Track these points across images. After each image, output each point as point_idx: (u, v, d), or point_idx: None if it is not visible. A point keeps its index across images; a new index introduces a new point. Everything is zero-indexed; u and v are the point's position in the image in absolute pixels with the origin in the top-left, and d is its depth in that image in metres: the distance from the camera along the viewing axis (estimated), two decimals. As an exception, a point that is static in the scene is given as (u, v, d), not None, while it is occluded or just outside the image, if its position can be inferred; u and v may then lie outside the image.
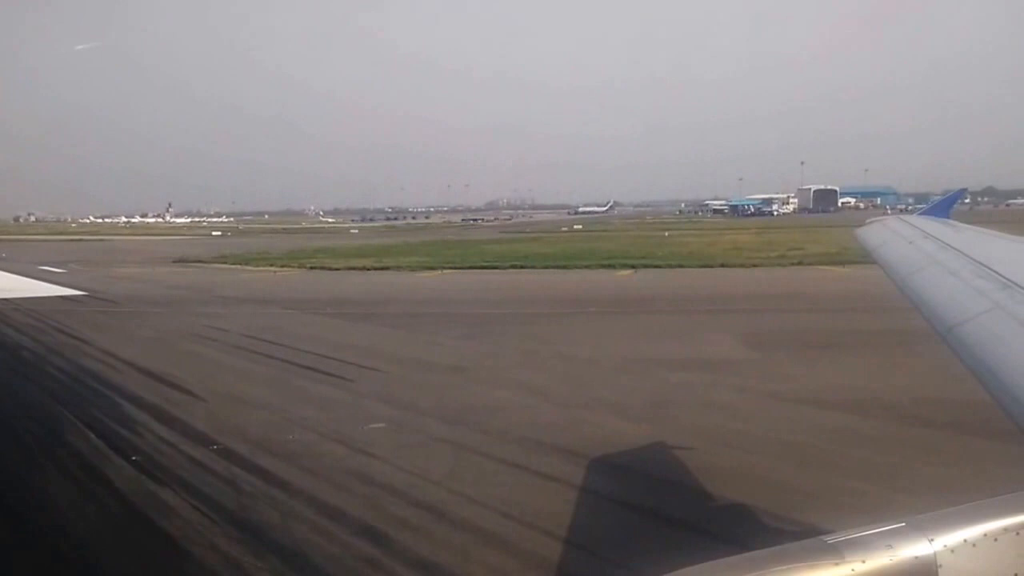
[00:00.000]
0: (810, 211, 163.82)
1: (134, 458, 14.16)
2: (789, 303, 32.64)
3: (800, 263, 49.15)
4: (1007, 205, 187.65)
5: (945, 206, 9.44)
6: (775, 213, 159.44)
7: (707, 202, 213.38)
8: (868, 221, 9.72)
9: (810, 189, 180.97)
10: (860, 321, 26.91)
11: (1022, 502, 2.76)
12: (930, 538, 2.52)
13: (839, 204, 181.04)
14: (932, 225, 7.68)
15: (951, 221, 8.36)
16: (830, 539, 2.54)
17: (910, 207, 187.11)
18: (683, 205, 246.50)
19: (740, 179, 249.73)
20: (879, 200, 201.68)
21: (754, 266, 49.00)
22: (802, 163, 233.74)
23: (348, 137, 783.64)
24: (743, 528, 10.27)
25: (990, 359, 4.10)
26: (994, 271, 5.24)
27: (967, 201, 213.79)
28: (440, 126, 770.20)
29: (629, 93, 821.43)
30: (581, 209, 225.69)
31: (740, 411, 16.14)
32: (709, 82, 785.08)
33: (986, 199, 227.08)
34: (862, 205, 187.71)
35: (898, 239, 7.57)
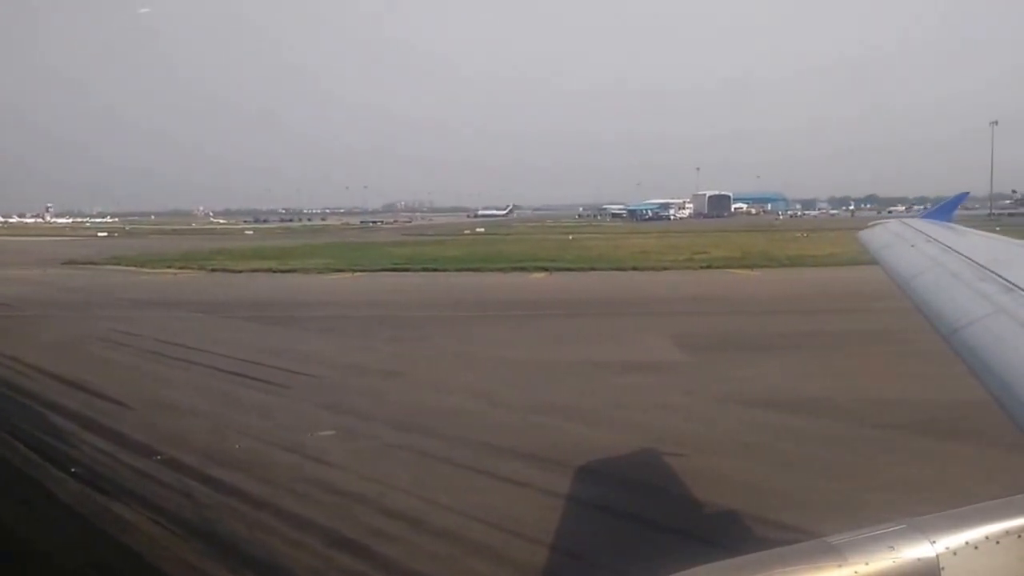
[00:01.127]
0: (705, 216, 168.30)
1: (73, 470, 13.30)
2: (710, 306, 33.25)
3: (710, 266, 50.20)
4: (888, 212, 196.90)
5: (947, 210, 9.50)
6: (672, 217, 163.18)
7: (605, 206, 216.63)
8: (871, 224, 9.81)
9: (705, 194, 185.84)
10: (785, 323, 27.72)
11: None
12: (932, 540, 2.53)
13: (732, 209, 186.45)
14: (934, 228, 7.74)
15: (953, 225, 8.46)
16: (833, 541, 2.54)
17: (799, 212, 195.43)
18: (581, 209, 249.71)
19: (638, 184, 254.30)
20: (769, 206, 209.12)
21: (665, 269, 49.77)
22: (697, 169, 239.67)
23: (239, 137, 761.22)
24: (736, 529, 10.29)
25: (994, 362, 4.10)
26: (997, 275, 5.25)
27: (851, 208, 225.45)
28: (337, 125, 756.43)
29: (528, 96, 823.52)
30: (481, 212, 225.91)
31: (697, 414, 16.22)
32: (605, 89, 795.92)
33: (868, 206, 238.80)
34: (754, 211, 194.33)
35: (900, 242, 7.64)
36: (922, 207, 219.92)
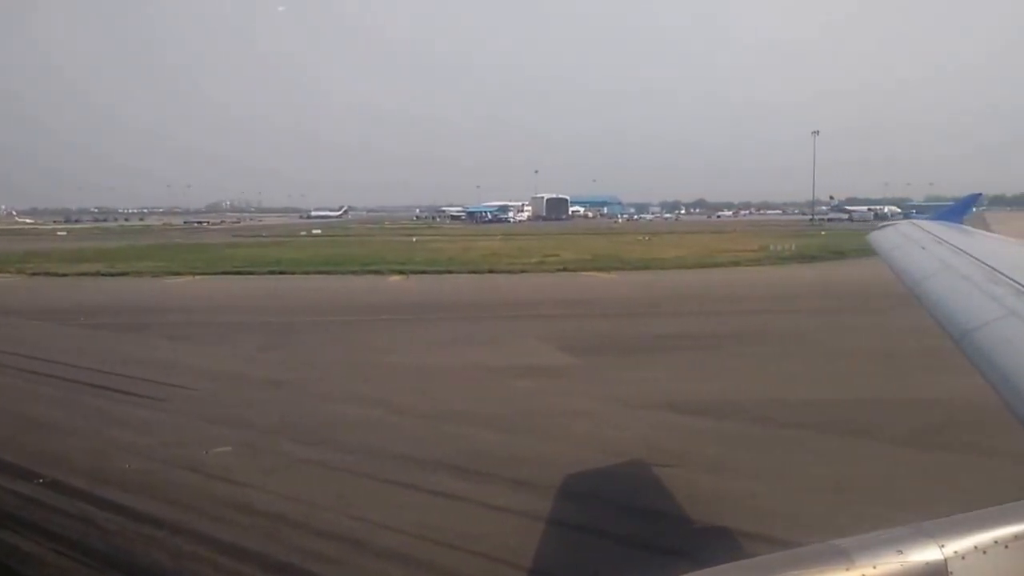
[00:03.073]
0: (544, 218, 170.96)
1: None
2: (578, 308, 33.59)
3: (565, 269, 50.84)
4: (718, 216, 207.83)
5: (958, 211, 9.62)
6: (512, 220, 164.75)
7: (444, 208, 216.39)
8: (881, 226, 9.91)
9: (543, 197, 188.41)
10: (657, 325, 28.35)
11: None
12: (941, 544, 2.53)
13: (570, 212, 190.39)
14: (944, 230, 7.88)
15: (963, 226, 8.63)
16: (841, 543, 2.52)
17: (635, 215, 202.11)
18: (418, 211, 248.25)
19: (478, 186, 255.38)
20: (605, 209, 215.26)
21: (522, 272, 50.00)
22: (536, 172, 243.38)
23: (41, 125, 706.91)
24: (687, 534, 10.24)
25: (1005, 365, 4.12)
26: (1008, 277, 5.34)
27: (682, 212, 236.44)
28: (159, 118, 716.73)
29: (360, 95, 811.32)
30: (314, 213, 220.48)
31: (607, 419, 16.12)
32: (443, 88, 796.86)
33: (697, 210, 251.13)
34: (591, 214, 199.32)
35: (910, 244, 7.73)
36: (748, 211, 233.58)
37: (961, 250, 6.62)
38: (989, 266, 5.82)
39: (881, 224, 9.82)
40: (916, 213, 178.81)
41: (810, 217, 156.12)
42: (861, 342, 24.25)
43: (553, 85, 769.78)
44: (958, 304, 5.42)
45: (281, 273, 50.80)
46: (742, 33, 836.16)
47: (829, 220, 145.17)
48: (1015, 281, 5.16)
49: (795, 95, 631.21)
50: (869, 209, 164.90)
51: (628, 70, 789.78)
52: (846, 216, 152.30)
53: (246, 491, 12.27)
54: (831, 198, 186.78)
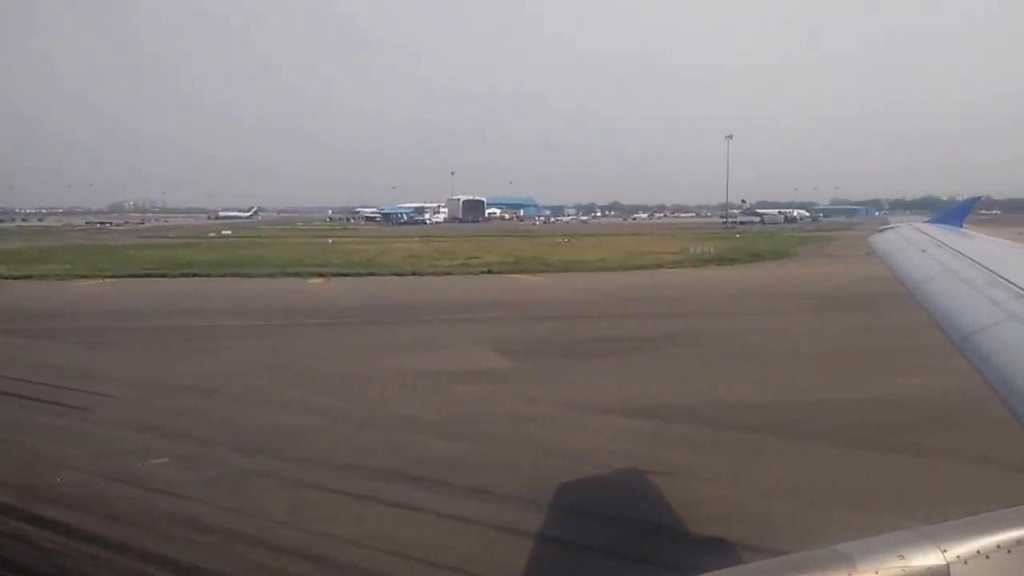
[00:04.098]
0: (460, 220, 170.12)
1: None
2: (508, 311, 33.37)
3: (490, 271, 50.59)
4: (633, 219, 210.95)
5: (959, 214, 9.64)
6: (428, 222, 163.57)
7: (358, 209, 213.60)
8: (880, 228, 9.87)
9: (460, 199, 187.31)
10: (591, 328, 28.40)
11: None
12: (943, 548, 2.56)
13: (487, 214, 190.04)
14: (945, 233, 7.89)
15: (964, 230, 8.65)
16: (843, 548, 2.55)
17: (551, 217, 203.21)
18: (331, 212, 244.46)
19: (394, 187, 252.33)
20: (522, 211, 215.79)
21: (447, 274, 49.56)
22: (452, 174, 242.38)
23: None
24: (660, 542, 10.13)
25: (1006, 369, 4.14)
26: (1008, 281, 5.37)
27: (598, 215, 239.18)
28: (58, 115, 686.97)
29: (270, 93, 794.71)
30: (222, 214, 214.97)
31: (555, 423, 15.97)
32: (354, 89, 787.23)
33: (613, 212, 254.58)
34: (507, 216, 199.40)
35: (911, 247, 7.73)
36: (662, 214, 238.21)
37: (962, 253, 6.64)
38: (990, 269, 5.84)
39: (881, 227, 9.76)
40: (823, 216, 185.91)
41: (724, 220, 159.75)
42: (795, 343, 24.75)
43: (471, 87, 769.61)
44: (959, 308, 5.41)
45: (195, 276, 49.18)
46: (654, 43, 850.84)
47: (741, 223, 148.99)
48: (1015, 285, 5.16)
49: (709, 103, 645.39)
50: (780, 212, 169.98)
51: (545, 75, 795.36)
52: (758, 219, 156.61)
53: (192, 505, 11.69)
54: (743, 202, 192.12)
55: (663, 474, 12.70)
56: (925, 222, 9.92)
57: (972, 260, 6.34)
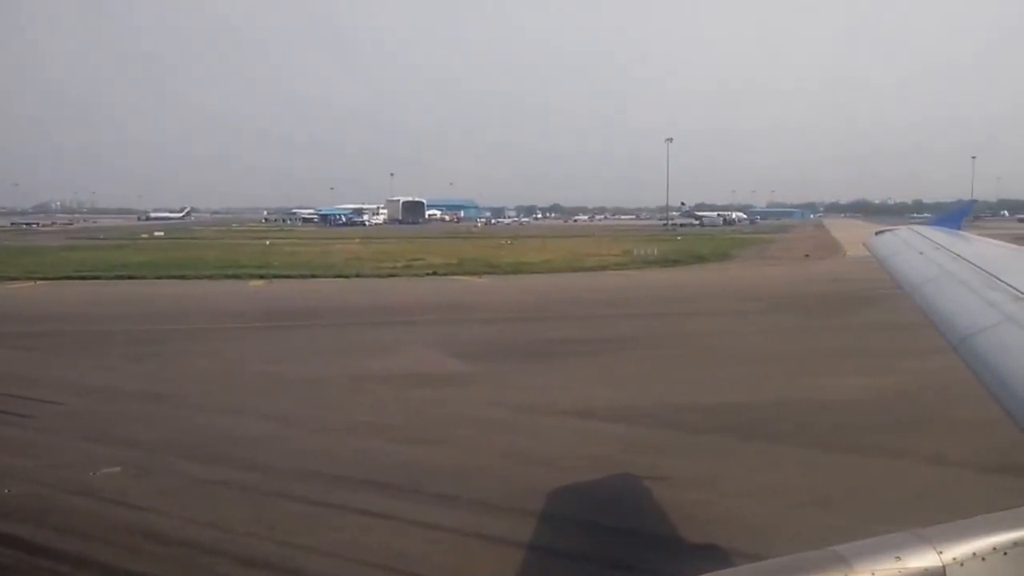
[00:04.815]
0: (400, 222, 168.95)
1: None
2: (458, 313, 33.14)
3: (435, 273, 50.22)
4: (574, 220, 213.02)
5: (957, 217, 9.63)
6: (367, 223, 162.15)
7: (295, 210, 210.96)
8: (878, 231, 9.83)
9: (399, 200, 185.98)
10: (544, 330, 28.26)
11: None
12: (939, 550, 2.58)
13: (427, 216, 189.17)
14: (943, 236, 7.89)
15: (962, 232, 8.65)
16: (839, 550, 2.56)
17: (492, 219, 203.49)
18: (266, 213, 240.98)
19: (332, 188, 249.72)
20: (463, 213, 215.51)
21: (391, 276, 49.04)
22: (392, 175, 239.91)
23: None
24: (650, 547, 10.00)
25: (1003, 371, 4.15)
26: (1006, 283, 5.38)
27: (539, 216, 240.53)
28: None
29: (205, 91, 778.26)
30: (153, 215, 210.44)
31: (520, 427, 15.77)
32: (295, 89, 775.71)
33: (553, 214, 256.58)
34: (448, 217, 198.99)
35: (909, 250, 7.73)
36: (602, 216, 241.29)
37: (959, 256, 6.65)
38: (987, 272, 5.83)
39: (879, 230, 9.75)
40: (760, 218, 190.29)
41: (664, 222, 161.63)
42: (751, 344, 24.98)
43: (410, 87, 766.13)
44: (956, 310, 5.40)
45: (130, 278, 47.80)
46: (596, 45, 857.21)
47: (681, 226, 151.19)
48: (1013, 287, 5.17)
49: (647, 105, 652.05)
50: (719, 215, 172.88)
51: (487, 75, 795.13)
52: (697, 222, 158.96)
53: (149, 516, 11.22)
54: (682, 204, 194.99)
55: (637, 476, 12.60)
56: (923, 225, 9.97)
57: (969, 263, 6.36)
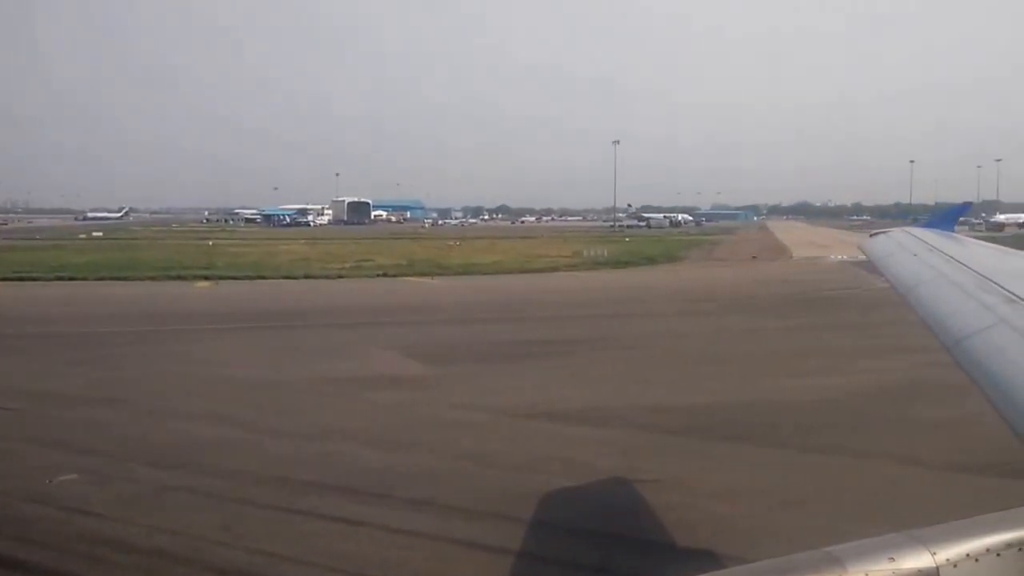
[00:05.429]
0: (345, 222, 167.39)
1: None
2: (412, 315, 32.86)
3: (385, 274, 49.82)
4: (521, 222, 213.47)
5: (950, 219, 9.67)
6: (312, 224, 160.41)
7: (237, 211, 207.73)
8: (873, 233, 9.83)
9: (344, 201, 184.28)
10: (502, 331, 28.18)
11: None
12: (933, 551, 2.60)
13: (372, 216, 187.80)
14: (937, 238, 7.91)
15: (956, 235, 8.69)
16: (832, 550, 2.57)
17: (439, 220, 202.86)
18: (207, 213, 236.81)
19: (275, 188, 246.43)
20: (409, 214, 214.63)
21: (340, 277, 48.48)
22: (337, 175, 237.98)
23: None
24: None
25: (997, 373, 4.20)
26: (999, 285, 5.43)
27: (486, 217, 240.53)
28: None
29: (142, 87, 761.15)
30: (91, 215, 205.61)
31: (487, 429, 15.57)
32: (240, 85, 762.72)
33: (500, 215, 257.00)
34: (394, 218, 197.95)
35: (903, 252, 7.75)
36: (549, 218, 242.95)
37: (953, 258, 6.69)
38: (981, 274, 5.88)
39: (873, 232, 9.77)
40: (706, 220, 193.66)
41: (611, 224, 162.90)
42: (711, 345, 25.17)
43: (353, 87, 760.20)
44: (950, 312, 5.44)
45: (71, 279, 46.55)
46: (543, 46, 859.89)
47: (629, 227, 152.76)
48: (1006, 289, 5.21)
49: (595, 107, 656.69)
50: (665, 216, 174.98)
51: (432, 75, 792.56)
52: (644, 223, 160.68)
53: (113, 525, 10.84)
54: (628, 206, 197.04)
55: (612, 480, 12.58)
56: (917, 227, 10.05)
57: (963, 264, 6.40)
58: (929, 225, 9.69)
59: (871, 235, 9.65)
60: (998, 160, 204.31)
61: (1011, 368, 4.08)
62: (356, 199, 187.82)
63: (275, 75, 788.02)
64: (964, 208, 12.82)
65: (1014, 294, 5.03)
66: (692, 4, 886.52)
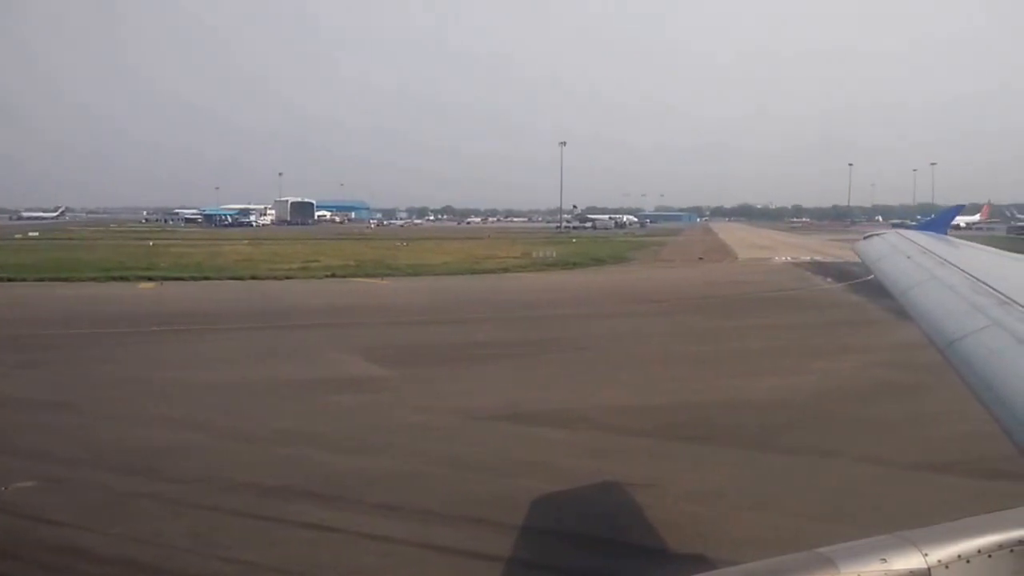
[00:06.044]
0: (289, 223, 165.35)
1: None
2: (365, 316, 32.61)
3: (334, 275, 49.27)
4: (467, 223, 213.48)
5: (943, 222, 9.72)
6: (254, 224, 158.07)
7: (177, 211, 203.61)
8: (866, 235, 9.87)
9: (287, 201, 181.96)
10: (458, 332, 28.15)
11: (1017, 518, 2.97)
12: (924, 553, 2.65)
13: (316, 217, 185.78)
14: (930, 240, 7.99)
15: (948, 237, 8.77)
16: (825, 551, 2.61)
17: (384, 221, 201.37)
18: (146, 213, 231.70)
19: (217, 188, 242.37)
20: (353, 214, 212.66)
21: (288, 278, 47.73)
22: (280, 175, 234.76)
23: None
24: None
25: (989, 375, 4.26)
26: (992, 287, 5.51)
27: (431, 218, 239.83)
28: None
29: (77, 82, 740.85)
30: (26, 214, 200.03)
31: (452, 432, 15.47)
32: (175, 84, 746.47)
33: (445, 216, 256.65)
34: (338, 219, 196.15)
35: (897, 253, 7.80)
36: (495, 219, 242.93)
37: (946, 260, 6.75)
38: (974, 277, 5.96)
39: (866, 234, 9.83)
40: (650, 222, 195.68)
41: (557, 226, 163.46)
42: (665, 345, 25.38)
43: (299, 86, 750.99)
44: (943, 314, 5.50)
45: (9, 280, 45.06)
46: (491, 47, 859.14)
47: (575, 228, 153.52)
48: (999, 292, 5.29)
49: (541, 108, 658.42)
50: (610, 218, 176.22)
51: (375, 72, 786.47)
52: (589, 225, 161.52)
53: (76, 533, 10.55)
54: (574, 207, 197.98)
55: (584, 481, 12.59)
56: (911, 228, 10.18)
57: (956, 267, 6.46)
58: (922, 227, 9.80)
59: (864, 237, 9.72)
60: (933, 164, 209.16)
61: (1003, 369, 4.11)
62: (300, 199, 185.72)
63: (216, 70, 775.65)
64: (956, 210, 13.08)
65: (1006, 296, 5.09)
66: (643, 4, 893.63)
